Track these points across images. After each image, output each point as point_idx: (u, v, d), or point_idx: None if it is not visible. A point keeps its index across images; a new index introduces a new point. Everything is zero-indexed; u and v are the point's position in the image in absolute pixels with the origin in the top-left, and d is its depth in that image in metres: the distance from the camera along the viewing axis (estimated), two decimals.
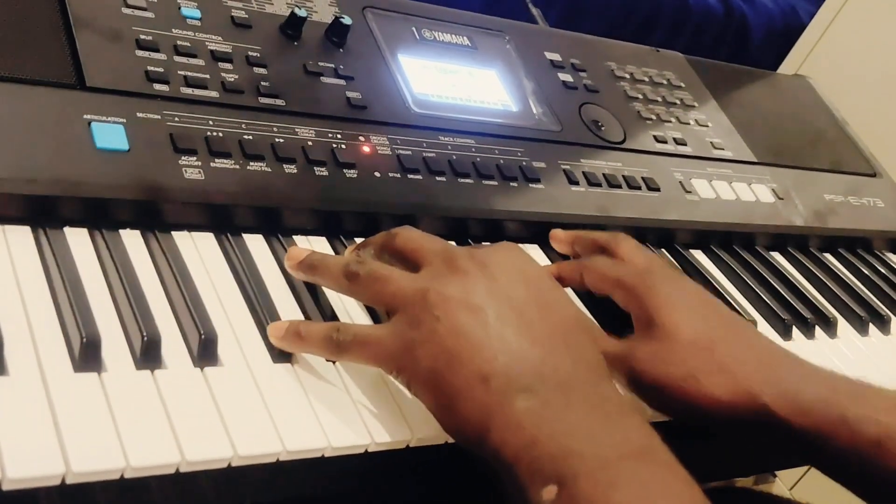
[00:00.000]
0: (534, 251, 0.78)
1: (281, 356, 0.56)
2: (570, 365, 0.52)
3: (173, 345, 0.53)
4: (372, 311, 0.62)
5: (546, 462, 0.47)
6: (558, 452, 0.47)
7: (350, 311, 0.62)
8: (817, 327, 0.83)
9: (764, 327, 0.80)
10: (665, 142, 0.93)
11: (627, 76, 0.98)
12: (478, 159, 0.77)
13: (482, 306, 0.52)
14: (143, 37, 0.68)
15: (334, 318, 0.60)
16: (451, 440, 0.55)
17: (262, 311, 0.58)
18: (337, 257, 0.60)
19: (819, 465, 0.61)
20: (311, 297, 0.61)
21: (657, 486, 0.47)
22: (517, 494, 0.48)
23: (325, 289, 0.62)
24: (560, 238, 0.76)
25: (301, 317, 0.60)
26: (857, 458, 0.58)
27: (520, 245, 0.59)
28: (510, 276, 0.55)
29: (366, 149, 0.72)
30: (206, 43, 0.71)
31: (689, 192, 0.89)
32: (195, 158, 0.63)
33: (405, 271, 0.56)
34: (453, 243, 0.58)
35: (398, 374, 0.53)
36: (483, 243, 0.60)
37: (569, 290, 0.73)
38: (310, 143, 0.69)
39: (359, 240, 0.65)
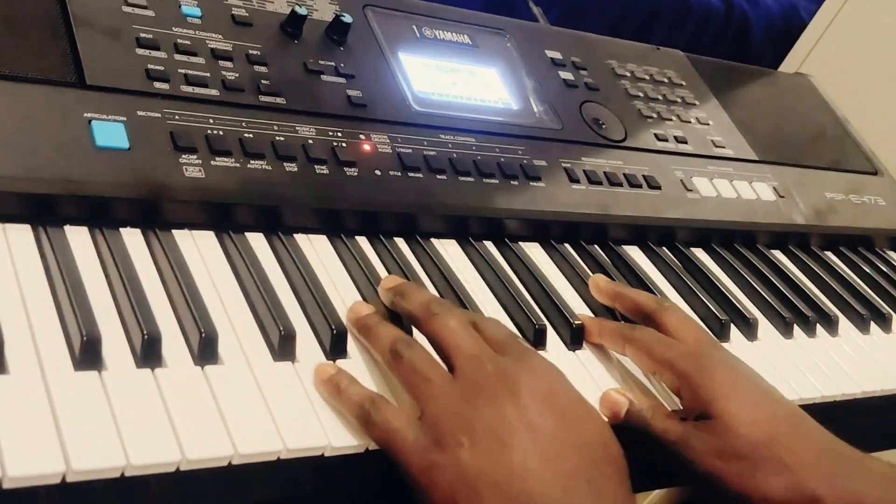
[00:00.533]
0: (534, 249, 0.78)
1: (282, 355, 0.55)
2: (592, 502, 0.51)
3: (174, 343, 0.53)
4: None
5: None
6: None
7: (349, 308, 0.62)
8: (819, 325, 0.83)
9: (765, 326, 0.80)
10: (666, 140, 0.93)
11: (628, 74, 0.98)
12: (478, 157, 0.77)
13: (507, 440, 0.50)
14: (143, 35, 0.68)
15: (333, 313, 0.60)
16: None
17: (262, 309, 0.58)
18: (390, 328, 0.59)
19: None
20: (312, 297, 0.60)
21: None
22: None
23: (325, 286, 0.62)
24: (601, 289, 0.73)
25: (301, 316, 0.60)
26: None
27: (549, 362, 0.57)
28: (539, 402, 0.53)
29: (366, 147, 0.72)
30: (207, 41, 0.71)
31: (690, 190, 0.89)
32: (195, 157, 0.63)
33: (443, 373, 0.54)
34: (482, 341, 0.56)
35: (412, 481, 0.51)
36: (515, 344, 0.57)
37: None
38: (310, 141, 0.69)
39: (384, 275, 0.65)
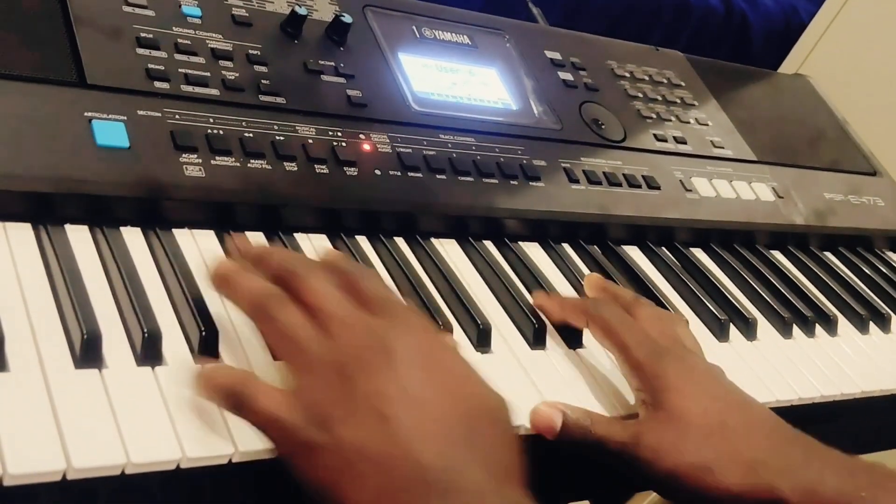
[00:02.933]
0: (534, 249, 0.78)
1: None
2: (479, 471, 0.48)
3: (174, 341, 0.53)
4: None
5: None
6: None
7: None
8: (818, 326, 0.83)
9: (764, 326, 0.80)
10: (665, 140, 0.93)
11: (628, 75, 0.98)
12: (478, 157, 0.77)
13: (386, 412, 0.48)
14: (143, 34, 0.68)
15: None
16: None
17: None
18: (254, 280, 0.54)
19: None
20: None
21: None
22: None
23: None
24: (593, 283, 0.72)
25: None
26: None
27: (421, 316, 0.55)
28: (415, 364, 0.50)
29: (366, 147, 0.72)
30: (207, 41, 0.71)
31: (690, 190, 0.89)
32: (196, 156, 0.63)
33: (314, 334, 0.51)
34: (348, 301, 0.53)
35: (290, 465, 0.49)
36: (382, 298, 0.54)
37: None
38: (310, 140, 0.69)
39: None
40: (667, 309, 0.75)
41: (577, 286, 0.75)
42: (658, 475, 0.57)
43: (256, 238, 0.64)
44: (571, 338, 0.68)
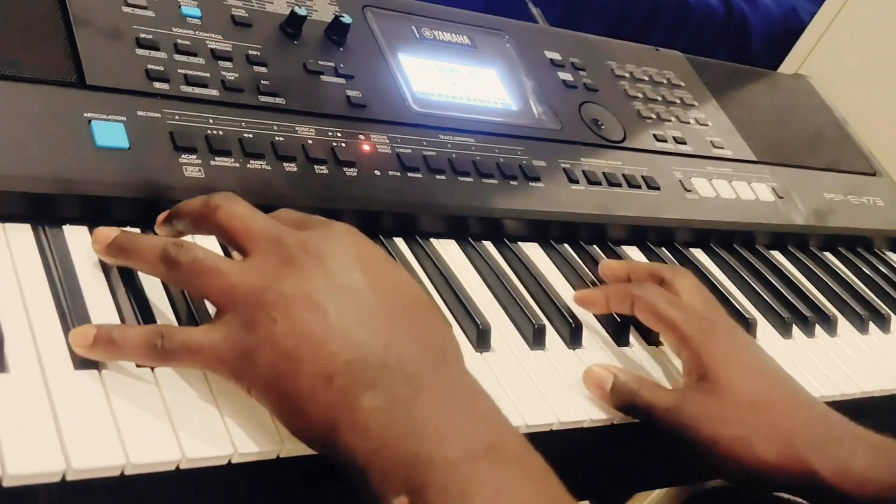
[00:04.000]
0: (533, 249, 0.78)
1: None
2: (417, 348, 0.49)
3: None
4: None
5: (395, 469, 0.44)
6: (407, 458, 0.45)
7: None
8: (817, 326, 0.83)
9: (764, 326, 0.80)
10: (665, 141, 0.93)
11: (627, 75, 0.98)
12: (478, 158, 0.77)
13: (320, 302, 0.48)
14: (143, 35, 0.68)
15: None
16: None
17: None
18: (151, 238, 0.53)
19: None
20: None
21: (510, 490, 0.44)
22: (371, 501, 0.45)
23: None
24: (614, 268, 0.73)
25: None
26: None
27: (352, 227, 0.54)
28: (348, 263, 0.51)
29: (366, 147, 0.72)
30: (207, 41, 0.71)
31: (689, 190, 0.89)
32: (195, 157, 0.63)
33: (233, 262, 0.50)
34: (278, 222, 0.53)
35: (236, 382, 0.48)
36: (313, 219, 0.55)
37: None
38: (310, 141, 0.69)
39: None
40: None
41: (577, 286, 0.75)
42: (698, 443, 0.59)
43: None
44: (571, 337, 0.68)
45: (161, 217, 0.56)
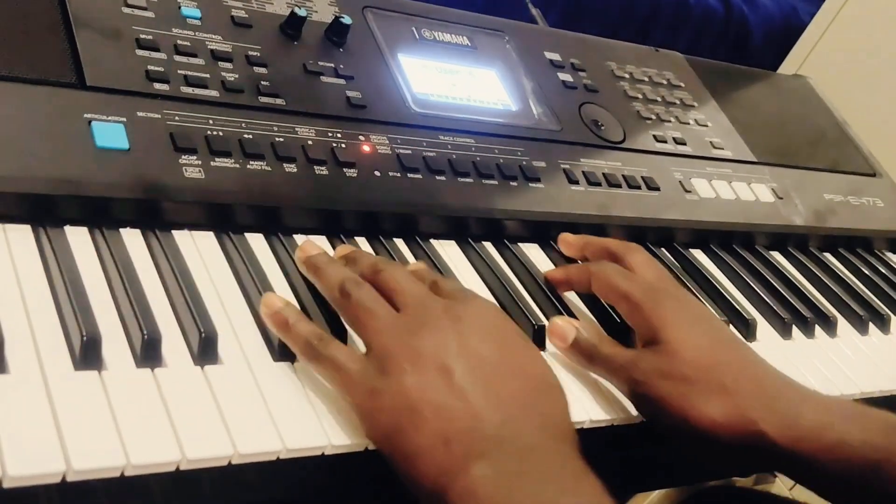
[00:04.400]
0: (533, 250, 0.78)
1: (282, 354, 0.56)
2: (535, 429, 0.51)
3: (174, 343, 0.53)
4: None
5: None
6: None
7: None
8: (817, 327, 0.83)
9: (764, 327, 0.80)
10: (665, 141, 0.93)
11: (627, 76, 0.98)
12: (478, 159, 0.77)
13: (450, 366, 0.51)
14: (143, 36, 0.68)
15: (332, 321, 0.60)
16: None
17: (262, 310, 0.58)
18: (339, 268, 0.60)
19: (814, 488, 0.60)
20: (312, 296, 0.61)
21: None
22: None
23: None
24: (570, 242, 0.76)
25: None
26: (854, 481, 0.58)
27: (494, 303, 0.59)
28: (482, 333, 0.54)
29: (366, 148, 0.72)
30: (207, 42, 0.71)
31: (689, 191, 0.89)
32: (195, 157, 0.63)
33: (389, 310, 0.56)
34: (429, 292, 0.58)
35: (358, 412, 0.52)
36: (460, 291, 0.59)
37: (572, 294, 0.73)
38: (310, 142, 0.69)
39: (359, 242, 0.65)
40: None
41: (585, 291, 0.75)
42: (646, 399, 0.60)
43: (256, 239, 0.64)
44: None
45: (340, 251, 0.64)
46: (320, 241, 0.67)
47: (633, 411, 0.63)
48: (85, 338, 0.49)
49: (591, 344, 0.64)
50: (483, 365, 0.53)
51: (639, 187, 0.85)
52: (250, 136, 0.67)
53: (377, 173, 0.71)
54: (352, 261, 0.61)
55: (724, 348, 0.63)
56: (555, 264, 0.77)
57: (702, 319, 0.65)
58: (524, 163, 0.80)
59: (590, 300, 0.74)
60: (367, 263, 0.60)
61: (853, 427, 0.59)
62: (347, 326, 0.57)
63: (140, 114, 0.63)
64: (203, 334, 0.53)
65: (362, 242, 0.69)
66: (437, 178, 0.74)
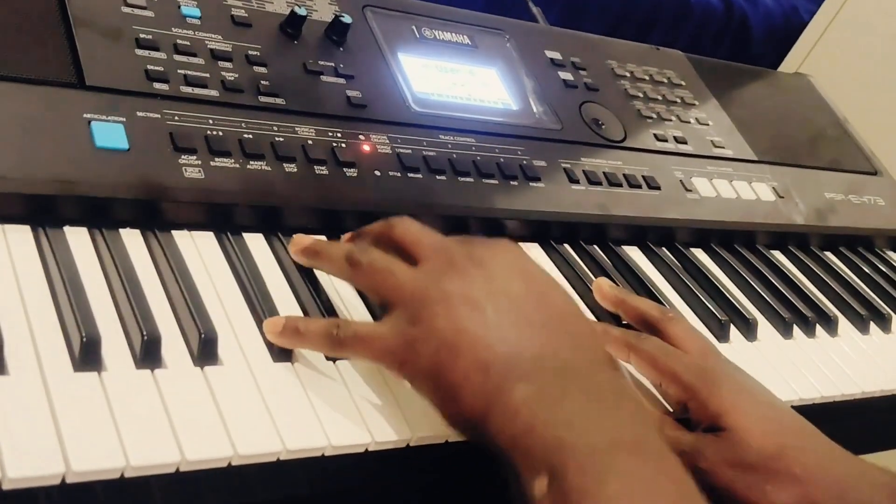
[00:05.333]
0: (534, 250, 0.78)
1: (281, 355, 0.55)
2: (569, 351, 0.53)
3: (173, 344, 0.53)
4: (369, 305, 0.62)
5: (539, 452, 0.48)
6: (552, 443, 0.48)
7: (350, 309, 0.62)
8: (818, 326, 0.83)
9: (765, 326, 0.80)
10: (665, 140, 0.93)
11: (628, 75, 0.98)
12: (478, 158, 0.77)
13: (481, 301, 0.53)
14: (142, 36, 0.68)
15: (334, 315, 0.60)
16: (451, 439, 0.55)
17: (262, 310, 0.58)
18: (339, 244, 0.61)
19: None
20: (311, 296, 0.61)
21: (646, 481, 0.47)
22: (514, 481, 0.48)
23: (325, 287, 0.62)
24: (605, 293, 0.72)
25: (302, 315, 0.60)
26: None
27: (518, 243, 0.59)
28: (508, 272, 0.55)
29: (366, 147, 0.72)
30: (206, 42, 0.71)
31: (690, 190, 0.89)
32: (195, 157, 0.63)
33: (405, 265, 0.55)
34: (448, 238, 0.58)
35: (400, 370, 0.53)
36: (480, 238, 0.61)
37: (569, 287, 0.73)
38: (310, 141, 0.69)
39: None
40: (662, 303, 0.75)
41: (578, 287, 0.75)
42: (713, 487, 0.58)
43: (256, 240, 0.64)
44: None
45: (346, 236, 0.64)
46: None
47: None
48: (84, 339, 0.49)
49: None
50: (512, 299, 0.54)
51: (639, 186, 0.85)
52: (250, 136, 0.66)
53: (377, 173, 0.71)
54: (357, 235, 0.62)
55: (790, 432, 0.61)
56: (555, 264, 0.77)
57: (762, 400, 0.62)
58: (525, 162, 0.79)
59: (591, 302, 0.74)
60: (376, 227, 0.60)
61: None
62: (364, 292, 0.57)
63: (140, 114, 0.63)
64: (203, 335, 0.53)
65: None
66: (438, 177, 0.73)
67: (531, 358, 0.51)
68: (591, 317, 0.72)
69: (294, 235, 0.62)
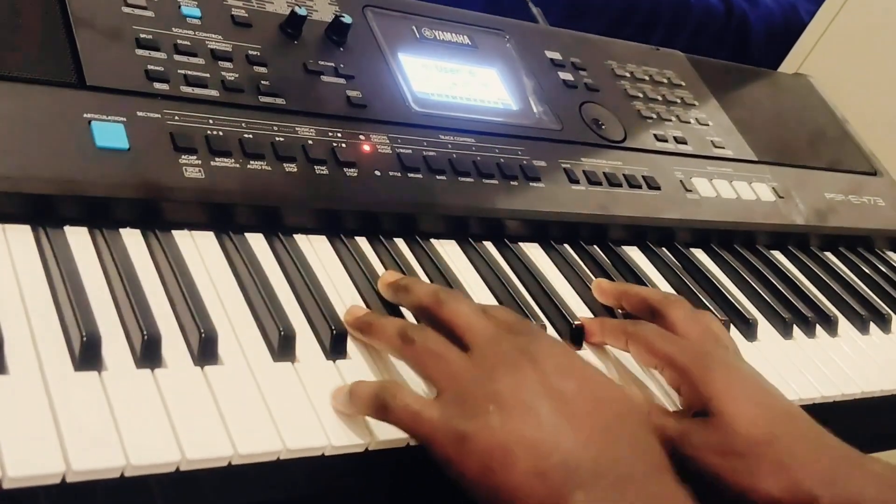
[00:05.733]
0: (534, 250, 0.78)
1: (281, 355, 0.55)
2: (629, 457, 0.51)
3: (174, 343, 0.53)
4: (369, 305, 0.63)
5: None
6: None
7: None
8: (818, 326, 0.83)
9: (765, 326, 0.80)
10: (665, 140, 0.93)
11: (628, 75, 0.98)
12: (478, 158, 0.77)
13: (534, 403, 0.51)
14: (143, 35, 0.68)
15: (335, 315, 0.60)
16: None
17: (262, 310, 0.58)
18: (393, 319, 0.59)
19: None
20: (312, 297, 0.60)
21: None
22: None
23: (328, 293, 0.62)
24: (605, 289, 0.73)
25: (301, 317, 0.60)
26: None
27: (557, 337, 0.58)
28: (560, 370, 0.53)
29: (366, 148, 0.72)
30: (207, 42, 0.71)
31: (690, 190, 0.89)
32: (195, 157, 0.63)
33: (458, 351, 0.54)
34: (495, 322, 0.56)
35: (446, 462, 0.51)
36: (525, 324, 0.58)
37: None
38: (310, 141, 0.69)
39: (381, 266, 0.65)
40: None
41: (578, 287, 0.75)
42: (701, 472, 0.58)
43: (256, 239, 0.64)
44: (572, 338, 0.67)
45: (389, 279, 0.63)
46: (321, 242, 0.67)
47: None
48: (85, 338, 0.49)
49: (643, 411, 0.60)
50: (567, 401, 0.51)
51: (639, 186, 0.85)
52: (250, 136, 0.66)
53: (377, 173, 0.71)
54: (403, 289, 0.61)
55: (780, 419, 0.60)
56: (555, 264, 0.77)
57: (754, 386, 0.62)
58: (525, 162, 0.79)
59: (590, 302, 0.74)
60: (426, 293, 0.59)
61: None
62: (416, 373, 0.55)
63: (140, 113, 0.63)
64: (203, 334, 0.53)
65: (362, 242, 0.69)
66: (438, 177, 0.73)
67: (589, 465, 0.49)
68: (590, 315, 0.72)
69: (350, 307, 0.61)
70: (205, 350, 0.53)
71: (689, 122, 0.97)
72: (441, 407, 0.51)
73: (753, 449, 0.57)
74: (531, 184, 0.78)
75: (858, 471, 0.58)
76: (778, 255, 0.93)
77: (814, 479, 0.57)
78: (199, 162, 0.63)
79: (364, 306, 0.62)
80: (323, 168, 0.68)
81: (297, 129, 0.69)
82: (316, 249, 0.66)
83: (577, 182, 0.81)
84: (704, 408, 0.59)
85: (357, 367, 0.57)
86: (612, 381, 0.57)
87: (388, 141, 0.73)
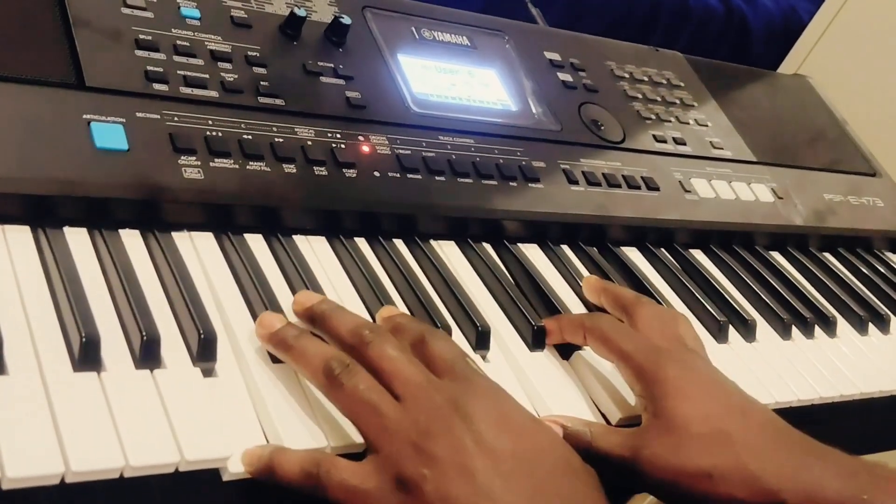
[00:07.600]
0: (533, 251, 0.78)
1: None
2: None
3: (173, 344, 0.53)
4: (369, 306, 0.63)
5: None
6: None
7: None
8: (817, 327, 0.83)
9: (763, 327, 0.80)
10: (664, 141, 0.93)
11: (627, 76, 0.98)
12: (477, 159, 0.77)
13: (468, 466, 0.49)
14: (142, 36, 0.68)
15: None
16: None
17: (261, 311, 0.58)
18: (318, 344, 0.55)
19: None
20: None
21: None
22: None
23: (327, 293, 0.62)
24: (591, 285, 0.73)
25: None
26: None
27: (492, 381, 0.55)
28: (494, 425, 0.51)
29: (365, 148, 0.72)
30: (206, 43, 0.71)
31: (689, 191, 0.89)
32: (194, 158, 0.63)
33: (390, 401, 0.51)
34: (423, 367, 0.54)
35: None
36: (453, 364, 0.54)
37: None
38: (309, 142, 0.69)
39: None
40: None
41: (577, 288, 0.75)
42: (659, 482, 0.56)
43: (255, 240, 0.64)
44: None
45: (304, 303, 0.58)
46: (320, 243, 0.67)
47: (629, 410, 0.63)
48: (84, 339, 0.49)
49: (584, 440, 0.58)
50: (502, 459, 0.50)
51: (638, 187, 0.85)
52: (250, 137, 0.67)
53: (377, 174, 0.71)
54: (320, 319, 0.56)
55: (737, 415, 0.58)
56: (554, 265, 0.77)
57: (709, 384, 0.60)
58: (524, 163, 0.80)
59: (585, 300, 0.74)
60: (348, 329, 0.55)
61: (878, 491, 0.56)
62: (343, 415, 0.53)
63: (139, 114, 0.63)
64: (202, 335, 0.53)
65: (362, 243, 0.69)
66: (437, 178, 0.74)
67: None
68: (584, 309, 0.72)
69: (262, 314, 0.57)
70: (204, 351, 0.53)
71: (688, 123, 0.97)
72: (377, 475, 0.49)
73: (710, 450, 0.56)
74: (530, 184, 0.78)
75: (820, 462, 0.57)
76: (777, 256, 0.94)
77: (774, 474, 0.56)
78: (199, 163, 0.63)
79: (281, 313, 0.57)
80: (322, 169, 0.68)
81: (296, 129, 0.70)
82: (315, 250, 0.66)
83: (576, 183, 0.81)
84: (656, 408, 0.58)
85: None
86: (545, 428, 0.55)
87: (387, 142, 0.73)
